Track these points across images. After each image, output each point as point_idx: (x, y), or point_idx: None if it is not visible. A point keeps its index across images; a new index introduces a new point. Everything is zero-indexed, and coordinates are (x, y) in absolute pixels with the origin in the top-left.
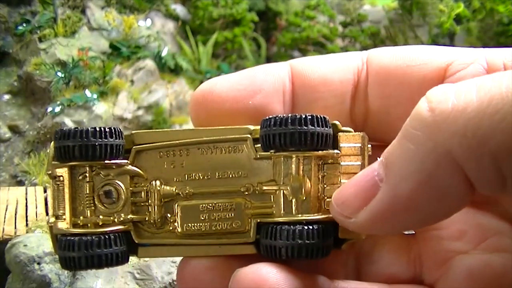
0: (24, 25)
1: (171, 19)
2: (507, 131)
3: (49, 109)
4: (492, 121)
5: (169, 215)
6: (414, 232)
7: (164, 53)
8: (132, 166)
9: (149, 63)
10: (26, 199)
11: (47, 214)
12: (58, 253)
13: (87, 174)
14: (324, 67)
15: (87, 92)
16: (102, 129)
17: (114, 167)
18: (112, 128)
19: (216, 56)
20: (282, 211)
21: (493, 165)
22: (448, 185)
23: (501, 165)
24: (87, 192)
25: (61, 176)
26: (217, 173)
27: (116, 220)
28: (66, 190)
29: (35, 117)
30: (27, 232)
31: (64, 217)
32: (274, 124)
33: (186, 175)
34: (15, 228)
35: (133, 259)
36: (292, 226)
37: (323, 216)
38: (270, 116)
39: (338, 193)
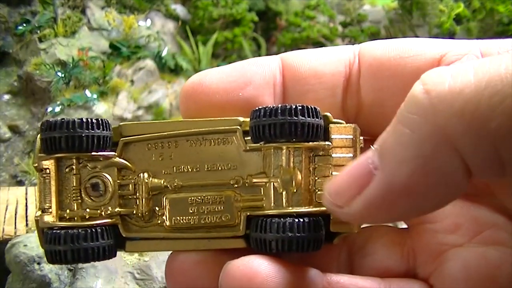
0: (24, 25)
1: (171, 19)
2: (507, 112)
3: (49, 109)
4: (491, 103)
5: (157, 208)
6: (407, 226)
7: (164, 53)
8: (120, 158)
9: (149, 63)
10: (26, 199)
11: None
12: (44, 247)
13: (74, 167)
14: (315, 60)
15: (87, 92)
16: (89, 120)
17: (101, 159)
18: (99, 119)
19: (216, 56)
20: (272, 204)
21: (492, 148)
22: (446, 170)
23: (500, 148)
24: (74, 184)
25: (48, 168)
26: (206, 166)
27: (103, 213)
28: (53, 182)
29: (35, 117)
30: (27, 232)
31: (50, 210)
32: (264, 115)
33: (174, 168)
34: (15, 228)
35: (133, 259)
36: (282, 219)
37: (314, 209)
38: (260, 107)
39: (331, 182)
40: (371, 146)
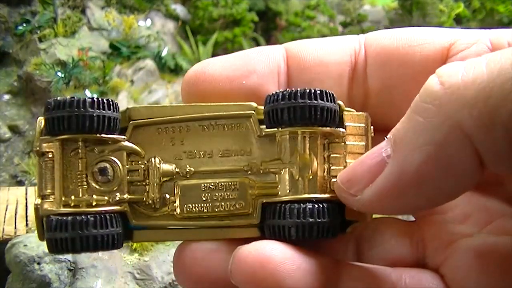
0: (24, 25)
1: (171, 19)
2: None
3: None
4: (502, 90)
5: (167, 195)
6: (415, 219)
7: (164, 53)
8: (129, 142)
9: (149, 63)
10: (26, 199)
11: None
12: (46, 235)
13: (80, 150)
14: (319, 49)
15: (87, 92)
16: (100, 99)
17: (110, 142)
18: (109, 99)
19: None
20: (288, 191)
21: (505, 136)
22: (458, 159)
23: None
24: (80, 169)
25: (50, 152)
26: (219, 151)
27: (111, 200)
28: (57, 166)
29: (35, 117)
30: (27, 232)
31: (52, 196)
32: (283, 98)
33: (186, 153)
34: (15, 228)
35: (133, 259)
36: (302, 204)
37: (330, 195)
38: (277, 91)
39: (344, 171)
40: (384, 137)
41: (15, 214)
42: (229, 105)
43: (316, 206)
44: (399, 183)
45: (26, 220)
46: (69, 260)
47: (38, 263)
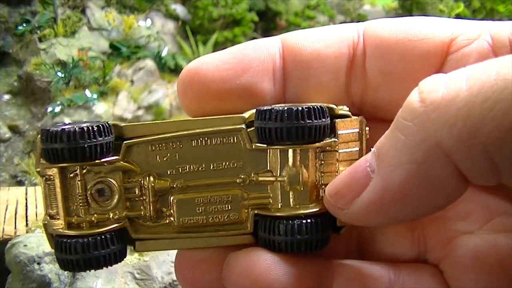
0: (24, 25)
1: (171, 19)
2: (498, 118)
3: (49, 109)
4: (482, 110)
5: (164, 209)
6: None
7: (164, 53)
8: (124, 162)
9: (149, 63)
10: (26, 199)
11: None
12: (56, 254)
13: (78, 173)
14: (317, 41)
15: (87, 92)
16: (90, 128)
17: (105, 164)
18: (99, 125)
19: None
20: (279, 203)
21: (485, 155)
22: (439, 177)
23: (493, 155)
24: (79, 191)
25: (51, 175)
26: (211, 165)
27: (111, 217)
28: (58, 190)
29: (35, 117)
30: (27, 232)
31: (57, 216)
32: (270, 118)
33: (180, 168)
34: (15, 228)
35: (133, 259)
36: (290, 221)
37: (320, 208)
38: (265, 108)
39: (331, 184)
40: (371, 148)
41: (15, 214)
42: (220, 118)
43: (305, 222)
44: (383, 198)
45: (26, 220)
46: None
47: (38, 263)
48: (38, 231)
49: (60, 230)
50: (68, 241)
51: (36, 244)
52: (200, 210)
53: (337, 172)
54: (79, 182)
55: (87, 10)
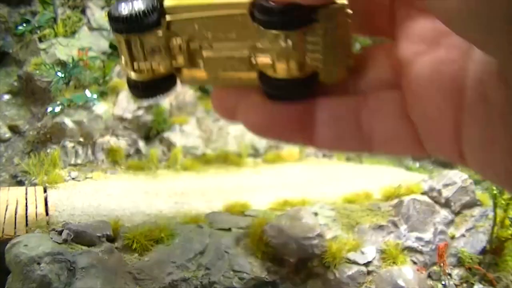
0: (24, 25)
1: None
2: None
3: (49, 109)
4: None
5: (197, 61)
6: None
7: None
8: (166, 30)
9: None
10: (26, 199)
11: (47, 214)
12: (130, 90)
13: (138, 39)
14: None
15: (87, 92)
16: (149, 7)
17: (156, 32)
18: (154, 2)
19: None
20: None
21: None
22: None
23: None
24: (138, 49)
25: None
26: (231, 37)
27: (161, 68)
28: (124, 51)
29: (35, 117)
30: (27, 232)
31: (127, 69)
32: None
33: (206, 39)
34: (15, 228)
35: (133, 259)
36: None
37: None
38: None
39: None
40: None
41: (15, 214)
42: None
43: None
44: None
45: (26, 220)
46: (69, 260)
47: (38, 263)
48: (38, 231)
49: (131, 78)
50: (137, 82)
51: (36, 244)
52: (222, 64)
53: (321, 52)
54: (139, 43)
55: (87, 10)
